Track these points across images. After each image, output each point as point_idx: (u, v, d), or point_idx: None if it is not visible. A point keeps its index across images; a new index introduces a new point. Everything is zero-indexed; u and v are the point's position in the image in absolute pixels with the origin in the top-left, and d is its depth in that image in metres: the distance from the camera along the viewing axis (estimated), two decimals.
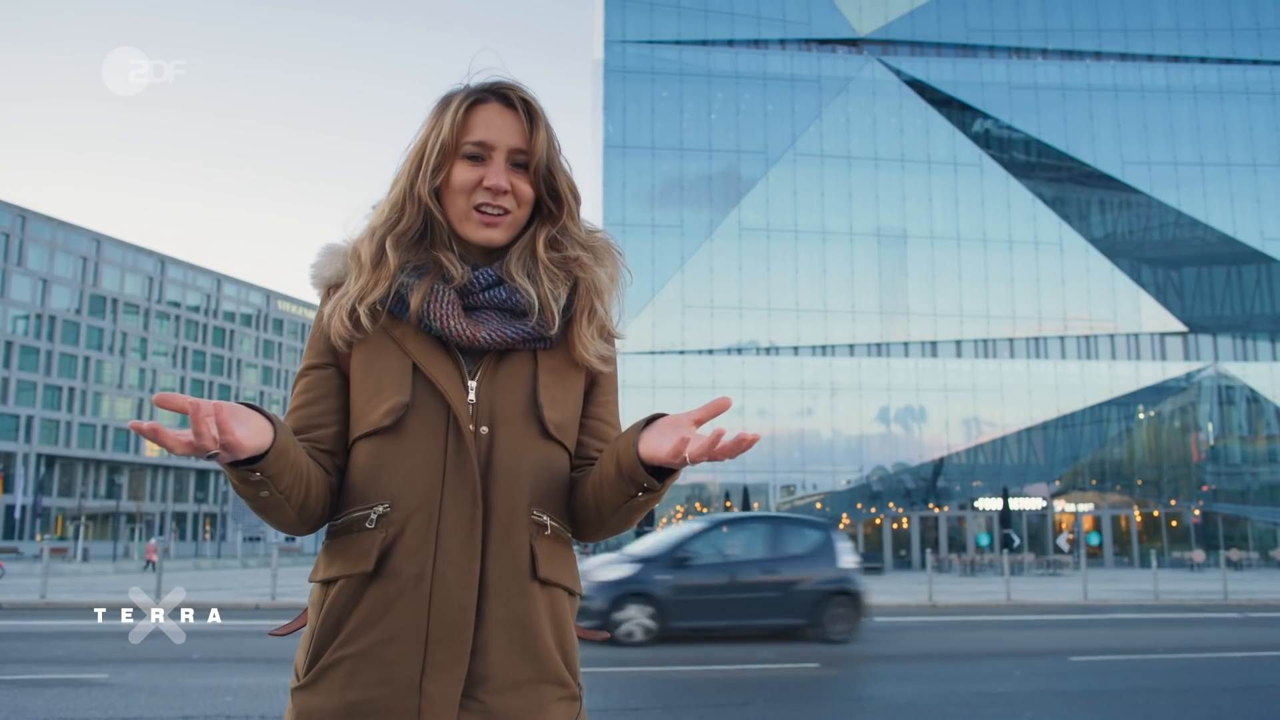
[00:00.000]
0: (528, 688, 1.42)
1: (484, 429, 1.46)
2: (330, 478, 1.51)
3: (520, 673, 1.42)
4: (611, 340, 1.63)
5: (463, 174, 1.54)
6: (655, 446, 1.38)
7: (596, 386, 1.63)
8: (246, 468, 1.31)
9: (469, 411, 1.46)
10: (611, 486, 1.47)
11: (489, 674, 1.40)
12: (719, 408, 1.36)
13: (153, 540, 50.70)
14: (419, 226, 1.57)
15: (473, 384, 1.49)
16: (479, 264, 1.59)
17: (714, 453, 1.34)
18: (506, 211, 1.55)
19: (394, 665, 1.38)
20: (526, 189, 1.56)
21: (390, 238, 1.55)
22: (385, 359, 1.50)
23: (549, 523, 1.51)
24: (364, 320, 1.50)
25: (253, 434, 1.30)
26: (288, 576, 31.68)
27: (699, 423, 1.37)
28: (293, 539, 73.33)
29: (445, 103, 1.57)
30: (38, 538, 74.57)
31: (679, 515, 43.69)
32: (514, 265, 1.56)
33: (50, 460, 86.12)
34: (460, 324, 1.50)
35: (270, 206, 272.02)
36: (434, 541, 1.41)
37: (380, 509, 1.44)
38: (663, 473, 1.43)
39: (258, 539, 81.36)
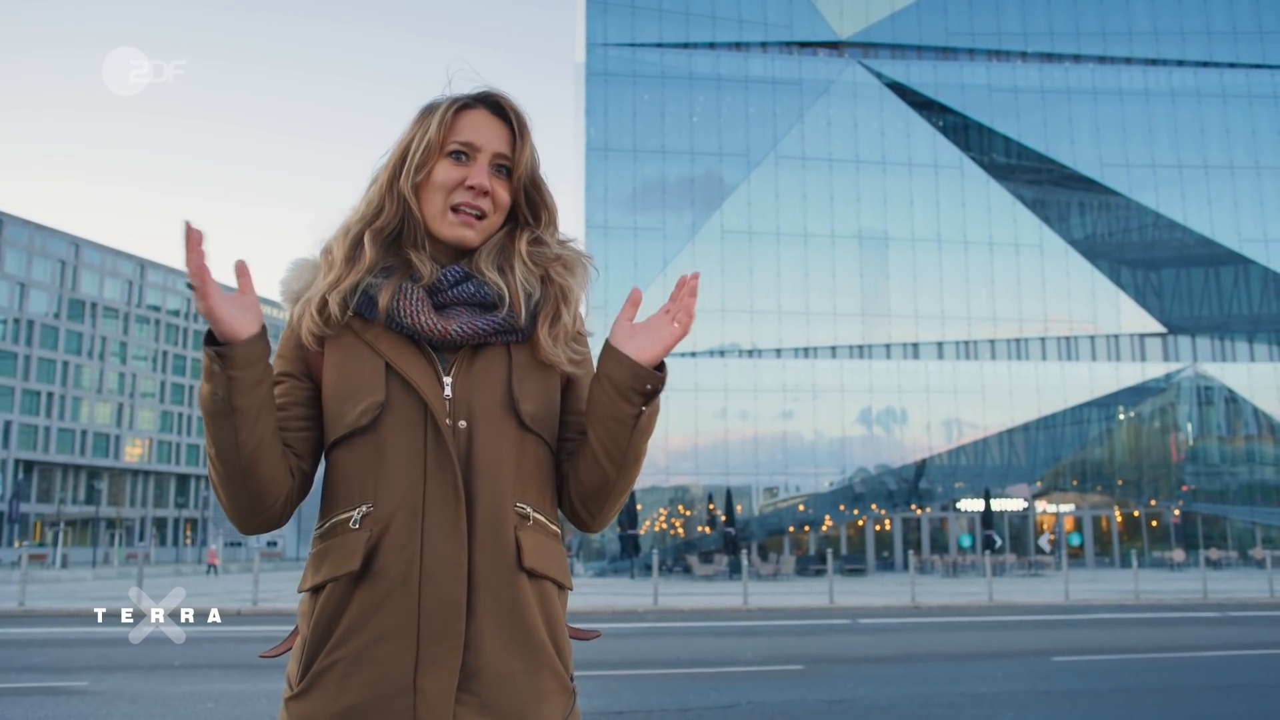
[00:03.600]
0: (522, 678, 1.42)
1: (462, 423, 1.47)
2: (292, 480, 1.51)
3: (514, 664, 1.42)
4: (581, 340, 1.65)
5: (445, 172, 1.56)
6: (647, 346, 1.50)
7: (575, 383, 1.63)
8: (217, 349, 1.37)
9: (445, 407, 1.47)
10: (614, 416, 1.50)
11: (483, 666, 1.40)
12: (636, 299, 1.55)
13: (213, 545, 50.48)
14: (396, 223, 1.58)
15: (448, 379, 1.50)
16: (447, 264, 1.60)
17: (687, 298, 1.52)
18: (483, 215, 1.57)
19: (387, 664, 1.38)
20: (505, 196, 1.59)
21: (369, 232, 1.57)
22: (358, 361, 1.51)
23: (531, 514, 1.51)
24: (334, 311, 1.51)
25: (230, 314, 1.38)
26: (269, 582, 31.54)
27: (634, 310, 1.55)
28: (275, 543, 73.14)
29: (433, 106, 1.59)
30: (16, 544, 73.98)
31: (662, 518, 43.70)
32: (483, 260, 1.58)
33: (29, 466, 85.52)
34: (430, 319, 1.51)
35: (250, 211, 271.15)
36: (419, 537, 1.41)
37: (363, 509, 1.44)
38: (659, 368, 1.51)
39: (239, 544, 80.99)
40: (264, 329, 1.41)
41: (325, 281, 1.55)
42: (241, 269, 1.39)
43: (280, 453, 1.47)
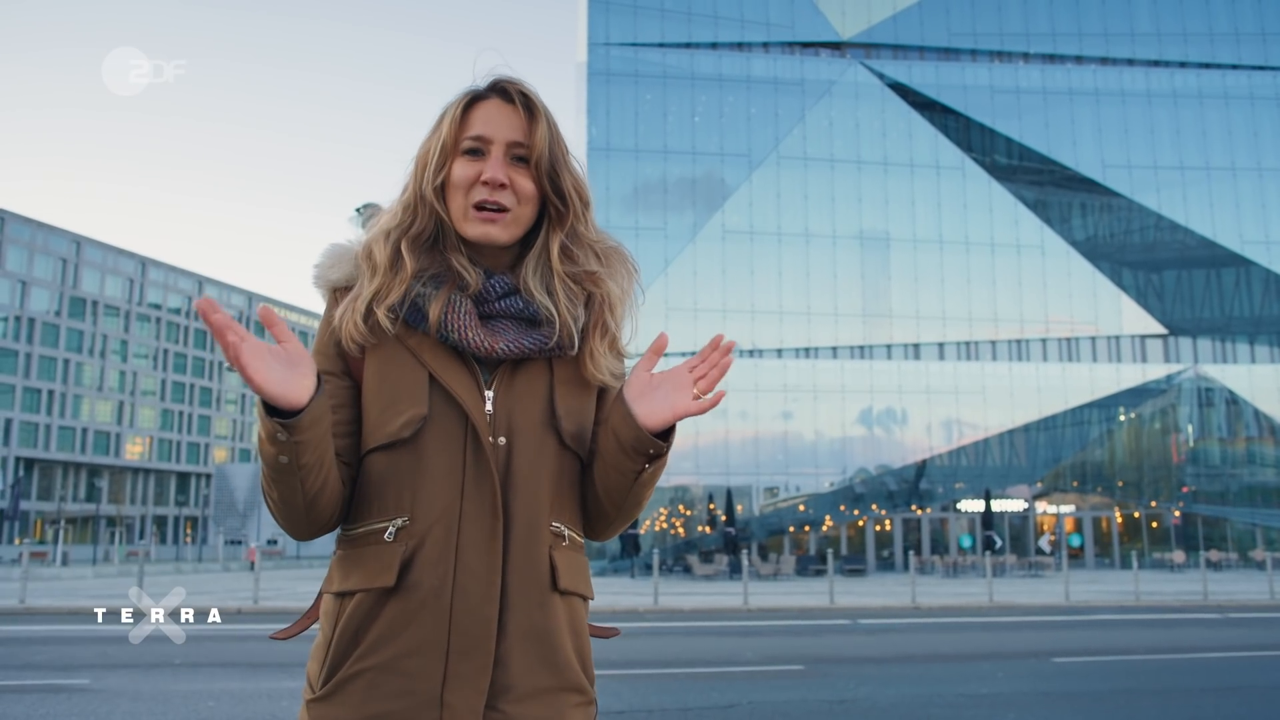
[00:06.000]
0: (548, 696, 1.42)
1: (501, 439, 1.46)
2: (344, 489, 1.48)
3: (541, 682, 1.42)
4: (621, 356, 1.63)
5: (461, 170, 1.52)
6: (658, 410, 1.46)
7: (607, 395, 1.61)
8: (279, 421, 1.31)
9: (487, 422, 1.45)
10: (617, 468, 1.48)
11: (511, 684, 1.40)
12: (661, 347, 1.49)
13: (253, 544, 50.25)
14: (431, 229, 1.56)
15: (489, 394, 1.48)
16: (491, 269, 1.56)
17: (719, 369, 1.48)
18: (505, 209, 1.52)
19: (415, 678, 1.37)
20: (528, 185, 1.53)
21: (405, 240, 1.54)
22: (400, 369, 1.48)
23: (566, 532, 1.51)
24: (384, 323, 1.48)
25: (282, 381, 1.30)
26: (270, 580, 31.53)
27: (656, 359, 1.50)
28: (275, 541, 73.21)
29: (447, 104, 1.56)
30: (16, 542, 73.98)
31: (662, 517, 43.71)
32: (531, 278, 1.54)
33: (29, 463, 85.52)
34: (478, 335, 1.48)
35: (252, 211, 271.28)
36: (454, 554, 1.40)
37: (399, 522, 1.43)
38: (666, 433, 1.48)
39: (238, 542, 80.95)
40: (319, 377, 1.36)
41: (369, 289, 1.51)
42: (268, 317, 1.30)
43: (339, 477, 1.45)
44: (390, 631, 1.39)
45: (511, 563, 1.42)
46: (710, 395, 1.48)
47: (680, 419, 1.46)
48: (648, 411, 1.46)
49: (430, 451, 1.44)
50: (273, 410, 1.32)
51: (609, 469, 1.49)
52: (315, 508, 1.42)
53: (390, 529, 1.43)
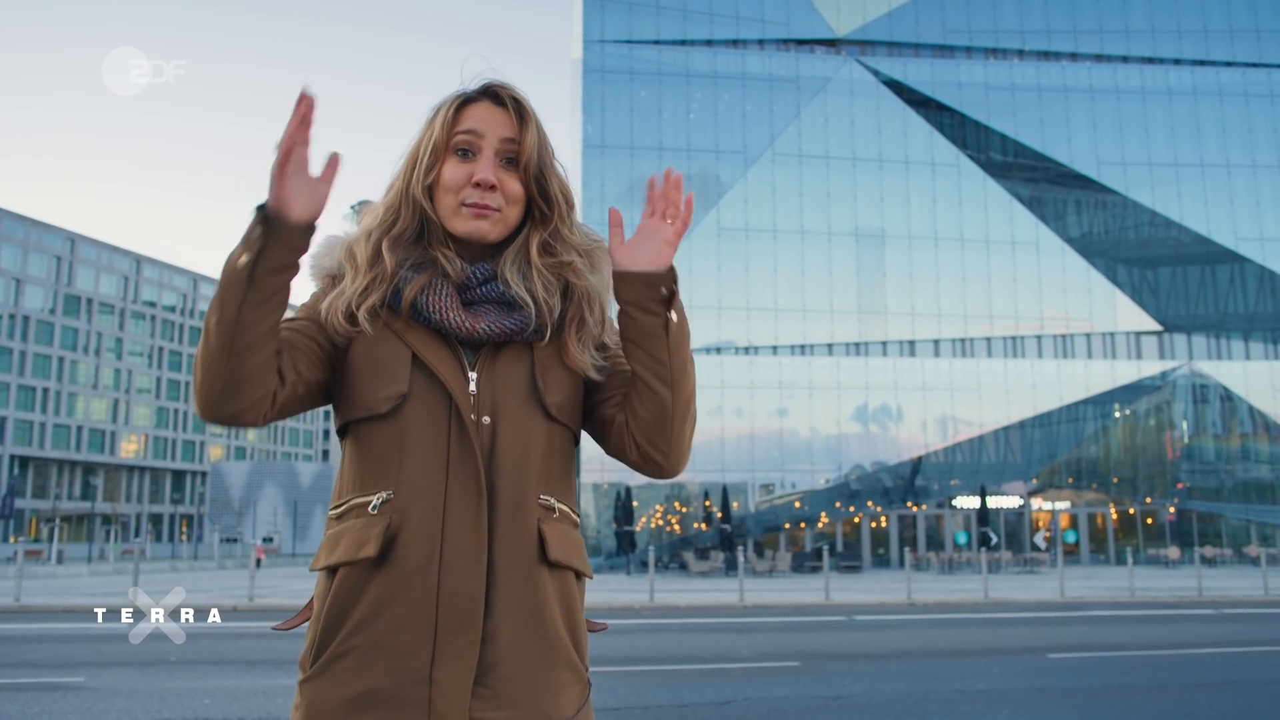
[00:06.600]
0: (539, 672, 1.42)
1: (486, 419, 1.47)
2: (279, 384, 1.46)
3: (531, 657, 1.42)
4: (604, 348, 1.64)
5: (452, 171, 1.54)
6: (652, 252, 1.49)
7: (596, 387, 1.62)
8: (264, 213, 1.35)
9: (470, 402, 1.47)
10: (646, 333, 1.50)
11: (499, 660, 1.40)
12: (617, 220, 1.52)
13: (259, 542, 50.24)
14: (414, 228, 1.58)
15: (473, 375, 1.50)
16: (472, 260, 1.59)
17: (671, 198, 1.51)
18: (496, 209, 1.55)
19: (404, 655, 1.38)
20: (516, 187, 1.56)
21: (386, 240, 1.56)
22: (385, 348, 1.51)
23: (557, 505, 1.52)
24: (364, 323, 1.50)
25: (295, 195, 1.34)
26: (265, 577, 31.52)
27: (621, 230, 1.52)
28: (270, 539, 73.22)
29: (437, 106, 1.58)
30: (11, 540, 73.80)
31: (658, 514, 43.71)
32: (508, 268, 1.56)
33: (24, 461, 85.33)
34: (459, 316, 1.51)
35: (247, 210, 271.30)
36: (440, 530, 1.41)
37: (383, 495, 1.44)
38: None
39: (235, 540, 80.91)
40: (314, 226, 1.38)
41: (351, 288, 1.53)
42: (334, 162, 1.36)
43: (273, 357, 1.42)
44: (378, 608, 1.40)
45: (498, 538, 1.43)
46: (683, 211, 1.51)
47: (675, 246, 1.49)
48: (650, 260, 1.49)
49: (414, 430, 1.46)
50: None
51: (642, 342, 1.50)
52: (245, 359, 1.37)
53: (374, 501, 1.44)
